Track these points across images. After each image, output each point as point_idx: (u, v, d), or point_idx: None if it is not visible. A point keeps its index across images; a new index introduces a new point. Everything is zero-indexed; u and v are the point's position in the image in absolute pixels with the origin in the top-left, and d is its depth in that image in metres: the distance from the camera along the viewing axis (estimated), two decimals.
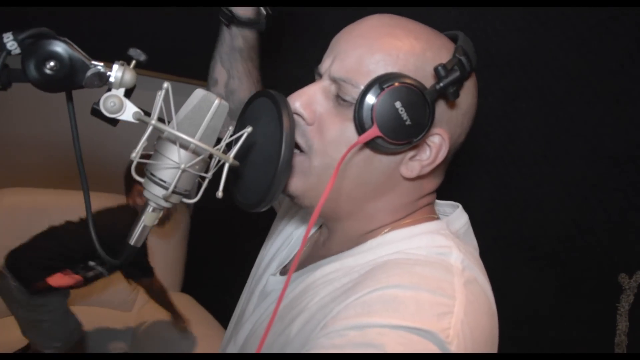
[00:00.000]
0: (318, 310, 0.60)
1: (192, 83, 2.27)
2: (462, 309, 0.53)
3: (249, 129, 0.57)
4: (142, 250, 1.91)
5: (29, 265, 1.80)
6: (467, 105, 0.64)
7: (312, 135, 0.63)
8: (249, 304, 0.78)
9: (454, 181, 1.34)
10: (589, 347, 1.13)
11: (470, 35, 1.32)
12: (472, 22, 1.33)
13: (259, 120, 0.64)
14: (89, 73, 0.55)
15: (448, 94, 0.57)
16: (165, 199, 0.57)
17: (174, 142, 0.56)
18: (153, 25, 2.13)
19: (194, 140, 0.54)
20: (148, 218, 0.60)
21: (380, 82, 0.56)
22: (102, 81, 0.55)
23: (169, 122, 0.55)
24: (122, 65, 0.56)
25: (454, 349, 0.49)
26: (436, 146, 0.62)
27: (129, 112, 0.56)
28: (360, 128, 0.57)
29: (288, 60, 1.98)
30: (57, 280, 1.80)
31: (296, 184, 0.66)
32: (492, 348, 0.58)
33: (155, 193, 0.57)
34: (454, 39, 0.65)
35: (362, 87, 0.58)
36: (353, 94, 0.59)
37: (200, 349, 2.08)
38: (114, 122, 0.58)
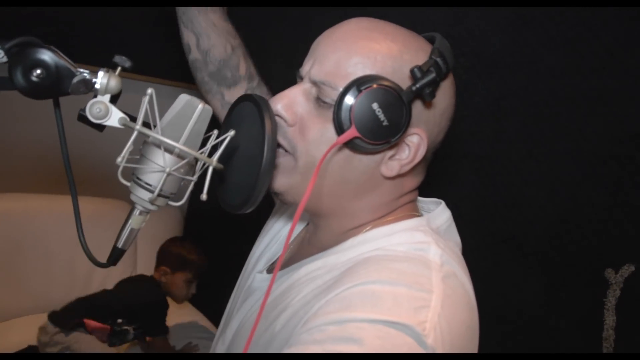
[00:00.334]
0: (301, 307, 0.61)
1: (180, 86, 2.29)
2: (440, 302, 0.54)
3: (231, 133, 0.59)
4: (162, 310, 1.95)
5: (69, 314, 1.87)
6: (445, 105, 0.66)
7: (293, 136, 0.65)
8: (237, 301, 0.80)
9: (442, 179, 1.36)
10: (577, 342, 1.14)
11: (456, 35, 1.35)
12: (458, 23, 1.35)
13: (243, 124, 0.66)
14: (74, 80, 0.56)
15: (424, 94, 0.59)
16: (152, 202, 0.59)
17: (159, 147, 0.57)
18: (138, 28, 2.15)
19: (178, 145, 0.55)
20: (135, 221, 0.61)
21: (357, 84, 0.58)
22: (88, 88, 0.57)
23: (154, 127, 0.57)
24: (107, 72, 0.57)
25: (430, 341, 0.50)
26: (415, 145, 0.64)
27: (114, 117, 0.57)
28: (339, 129, 0.59)
29: (277, 61, 2.00)
30: (91, 323, 1.85)
31: (281, 182, 0.67)
32: (471, 340, 0.59)
33: (141, 196, 0.59)
34: (431, 41, 0.66)
35: (341, 89, 0.59)
36: (332, 96, 0.61)
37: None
38: (100, 127, 0.59)
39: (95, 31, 2.02)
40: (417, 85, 0.58)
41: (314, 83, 0.64)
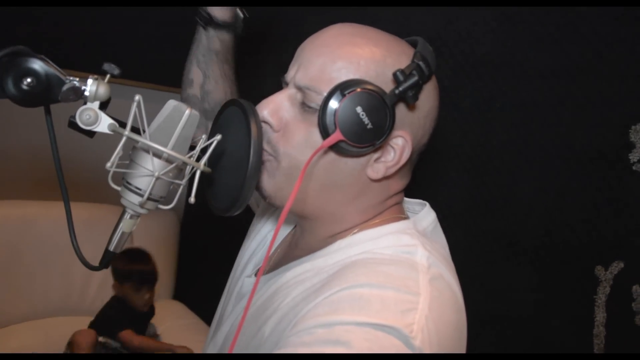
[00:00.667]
0: (289, 310, 0.62)
1: (169, 91, 2.30)
2: (427, 304, 0.54)
3: (218, 137, 0.60)
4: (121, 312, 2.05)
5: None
6: (429, 107, 0.67)
7: (277, 140, 0.66)
8: (227, 305, 0.81)
9: (433, 179, 1.37)
10: (569, 339, 1.15)
11: (445, 37, 1.36)
12: (447, 25, 1.36)
13: (230, 129, 0.67)
14: (64, 88, 0.57)
15: (407, 97, 0.60)
16: (142, 205, 0.60)
17: (147, 152, 0.59)
18: (128, 33, 2.17)
19: (166, 150, 0.57)
20: (126, 224, 0.63)
21: (341, 89, 0.59)
22: (78, 95, 0.58)
23: (143, 132, 0.58)
24: (97, 79, 0.58)
25: (418, 343, 0.51)
26: (399, 148, 0.65)
27: (104, 124, 0.59)
28: (324, 133, 0.60)
29: (266, 65, 2.01)
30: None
31: (268, 184, 0.68)
32: (459, 342, 0.60)
33: (131, 200, 0.60)
34: (414, 45, 0.67)
35: (325, 94, 0.60)
36: (317, 100, 0.62)
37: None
38: (90, 133, 0.60)
39: (84, 36, 2.04)
40: (400, 89, 0.59)
41: (299, 88, 0.65)
